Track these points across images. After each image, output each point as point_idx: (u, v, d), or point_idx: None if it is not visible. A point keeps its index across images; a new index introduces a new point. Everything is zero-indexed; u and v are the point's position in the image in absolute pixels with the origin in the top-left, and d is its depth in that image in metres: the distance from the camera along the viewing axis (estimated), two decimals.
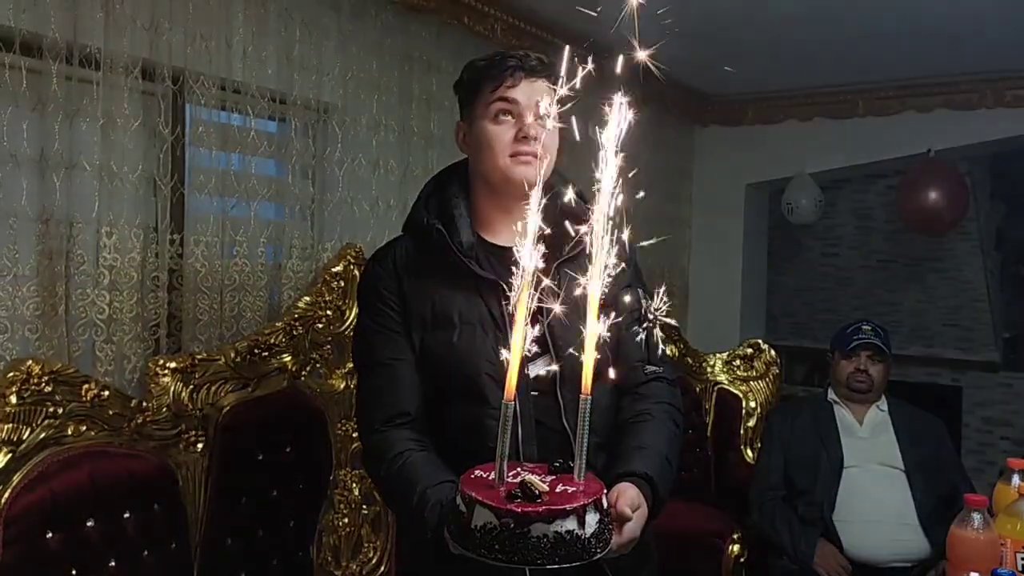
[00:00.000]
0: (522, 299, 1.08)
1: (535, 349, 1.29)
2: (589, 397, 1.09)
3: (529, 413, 1.34)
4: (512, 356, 1.08)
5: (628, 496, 1.21)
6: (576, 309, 1.37)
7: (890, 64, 3.57)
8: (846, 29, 3.07)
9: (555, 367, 1.31)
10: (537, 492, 1.05)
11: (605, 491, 1.11)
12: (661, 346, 1.50)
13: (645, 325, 1.45)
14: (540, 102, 1.30)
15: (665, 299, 1.28)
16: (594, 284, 1.08)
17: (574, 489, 1.08)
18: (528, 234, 1.07)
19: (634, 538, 1.20)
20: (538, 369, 1.34)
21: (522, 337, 1.07)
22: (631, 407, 1.43)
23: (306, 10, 2.27)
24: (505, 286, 1.34)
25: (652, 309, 1.51)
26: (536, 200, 1.07)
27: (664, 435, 1.39)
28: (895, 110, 3.89)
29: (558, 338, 1.33)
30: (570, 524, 1.03)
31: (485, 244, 1.42)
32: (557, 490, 1.08)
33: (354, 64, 2.41)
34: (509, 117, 1.35)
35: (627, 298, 1.47)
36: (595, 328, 1.08)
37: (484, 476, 1.12)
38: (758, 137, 4.23)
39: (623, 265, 1.49)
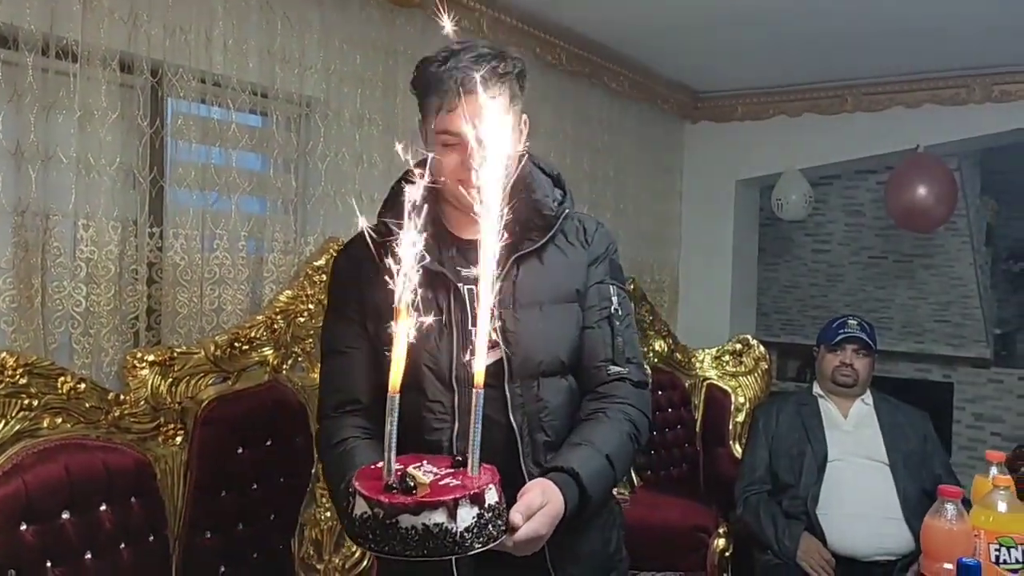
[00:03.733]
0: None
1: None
2: (481, 391, 1.08)
3: (466, 407, 1.26)
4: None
5: (525, 500, 1.16)
6: (533, 302, 1.34)
7: (878, 60, 3.57)
8: (834, 25, 3.07)
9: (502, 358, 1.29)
10: (414, 484, 1.04)
11: (492, 486, 1.08)
12: (635, 347, 1.44)
13: (614, 324, 1.40)
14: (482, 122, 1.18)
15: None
16: (486, 273, 1.07)
17: (457, 483, 1.07)
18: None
19: (537, 536, 1.15)
20: (485, 361, 1.29)
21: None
22: (587, 406, 1.38)
23: (288, 3, 2.26)
24: (452, 278, 1.33)
25: (625, 308, 1.45)
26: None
27: (611, 434, 1.33)
28: (884, 106, 3.89)
29: (509, 331, 1.31)
30: (438, 517, 1.02)
31: (448, 237, 1.40)
32: (441, 483, 1.06)
33: (337, 58, 2.40)
34: (454, 145, 1.29)
35: (596, 294, 1.42)
36: (485, 318, 1.07)
37: (380, 468, 1.11)
38: (748, 133, 4.23)
39: (601, 258, 1.46)
